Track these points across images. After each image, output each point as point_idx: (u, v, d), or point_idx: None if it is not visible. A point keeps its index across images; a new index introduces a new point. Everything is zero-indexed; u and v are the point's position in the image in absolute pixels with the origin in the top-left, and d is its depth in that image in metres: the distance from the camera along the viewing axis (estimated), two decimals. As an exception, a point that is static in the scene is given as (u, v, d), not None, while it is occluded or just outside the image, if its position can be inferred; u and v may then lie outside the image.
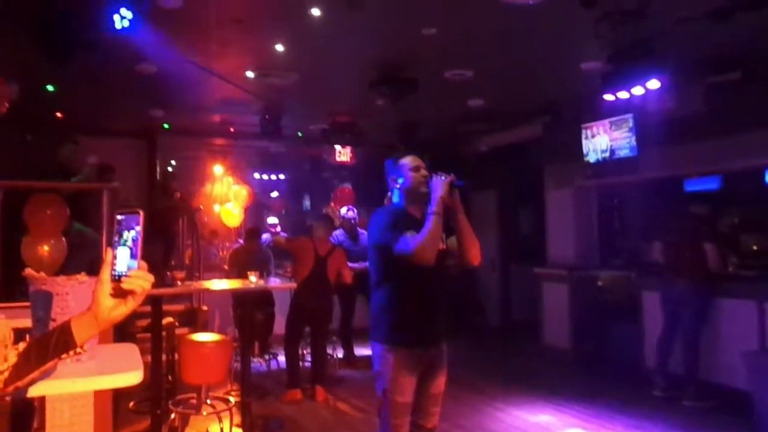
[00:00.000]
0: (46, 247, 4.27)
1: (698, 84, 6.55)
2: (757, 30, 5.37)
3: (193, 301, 6.74)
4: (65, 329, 1.47)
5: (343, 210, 8.18)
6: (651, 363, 6.59)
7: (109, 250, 1.53)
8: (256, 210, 11.14)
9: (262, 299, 7.12)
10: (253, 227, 8.25)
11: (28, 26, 4.46)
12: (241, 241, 8.52)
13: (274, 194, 12.08)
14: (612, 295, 8.01)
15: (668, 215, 6.85)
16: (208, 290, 5.61)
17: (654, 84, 5.66)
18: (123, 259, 1.51)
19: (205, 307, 6.53)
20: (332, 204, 10.19)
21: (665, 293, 6.34)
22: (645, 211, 8.35)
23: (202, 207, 9.51)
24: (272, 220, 9.64)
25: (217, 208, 10.21)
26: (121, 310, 1.48)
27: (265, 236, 8.95)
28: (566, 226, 8.71)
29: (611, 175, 8.00)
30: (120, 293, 1.48)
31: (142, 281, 1.47)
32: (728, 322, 5.97)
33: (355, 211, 8.06)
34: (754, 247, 7.57)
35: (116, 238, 1.55)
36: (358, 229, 7.91)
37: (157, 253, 7.36)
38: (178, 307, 6.54)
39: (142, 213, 1.54)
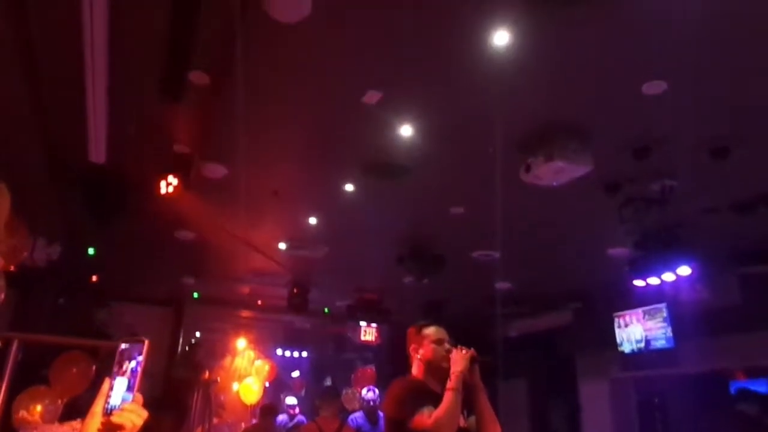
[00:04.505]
0: (38, 407, 4.07)
1: (732, 274, 6.47)
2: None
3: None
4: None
5: (363, 391, 7.82)
6: None
7: (107, 379, 1.44)
8: (275, 388, 10.72)
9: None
10: (269, 404, 7.86)
11: (80, 188, 4.77)
12: (255, 421, 8.08)
13: (296, 374, 11.71)
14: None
15: (714, 416, 6.33)
16: (212, 468, 5.18)
17: (685, 270, 5.59)
18: (119, 390, 1.42)
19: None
20: (353, 386, 9.77)
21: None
22: (689, 410, 7.74)
23: (219, 379, 9.20)
24: (291, 400, 9.20)
25: (236, 386, 9.87)
26: (107, 448, 1.35)
27: (281, 417, 8.50)
28: (603, 423, 8.07)
29: (648, 368, 7.59)
30: (109, 428, 1.36)
31: (134, 416, 1.35)
32: None
33: (376, 392, 7.68)
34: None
35: (116, 368, 1.47)
36: (379, 412, 7.46)
37: (166, 425, 6.97)
38: (178, 490, 6.00)
39: (146, 342, 1.47)
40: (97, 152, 4.21)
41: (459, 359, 2.81)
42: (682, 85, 3.57)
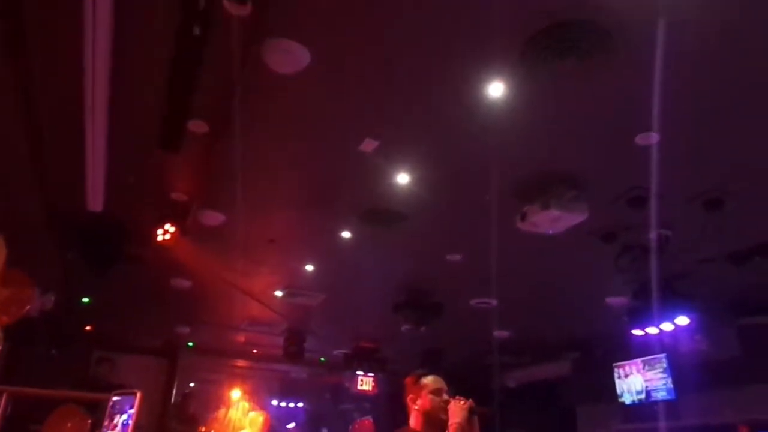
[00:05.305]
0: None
1: (731, 326, 6.41)
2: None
3: None
4: None
5: (361, 443, 7.63)
6: None
7: (96, 433, 1.41)
8: (269, 442, 10.41)
9: None
10: (262, 457, 7.62)
11: (76, 237, 4.76)
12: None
13: (291, 425, 11.41)
14: None
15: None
16: None
17: (683, 320, 5.55)
18: (108, 445, 1.39)
19: None
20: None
21: None
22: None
23: (212, 432, 8.95)
24: (286, 454, 8.95)
25: (229, 439, 9.58)
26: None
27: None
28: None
29: (650, 420, 7.40)
30: None
31: (121, 470, 1.32)
32: None
33: (374, 444, 7.50)
34: None
35: (106, 422, 1.44)
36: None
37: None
38: None
39: (139, 394, 1.45)
40: (95, 201, 4.22)
41: (457, 410, 2.74)
42: (674, 137, 3.62)
